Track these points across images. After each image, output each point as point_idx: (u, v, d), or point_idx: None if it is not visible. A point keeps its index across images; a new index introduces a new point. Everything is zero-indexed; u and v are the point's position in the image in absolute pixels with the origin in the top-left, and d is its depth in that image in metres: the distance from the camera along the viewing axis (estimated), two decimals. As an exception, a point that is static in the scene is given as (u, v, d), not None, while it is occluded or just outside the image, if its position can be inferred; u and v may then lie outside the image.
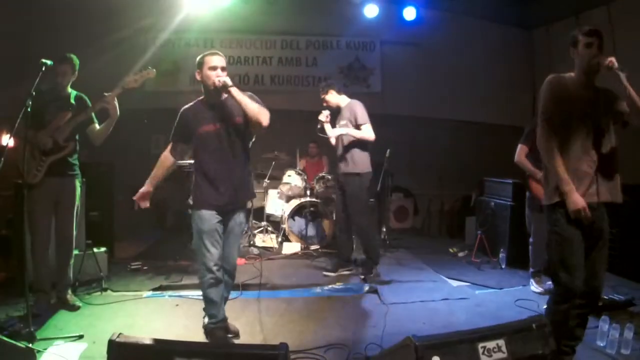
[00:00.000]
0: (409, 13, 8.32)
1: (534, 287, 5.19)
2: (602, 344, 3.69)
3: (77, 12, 7.38)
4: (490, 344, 2.59)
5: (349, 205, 5.48)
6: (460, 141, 8.57)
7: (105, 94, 4.19)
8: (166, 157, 3.92)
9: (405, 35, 8.62)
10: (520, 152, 5.09)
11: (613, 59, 3.16)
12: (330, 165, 7.59)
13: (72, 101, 4.35)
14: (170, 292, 4.91)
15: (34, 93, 3.60)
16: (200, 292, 4.77)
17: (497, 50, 8.61)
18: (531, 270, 5.31)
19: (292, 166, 7.57)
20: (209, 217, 3.54)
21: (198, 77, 3.65)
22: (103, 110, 4.28)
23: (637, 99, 3.09)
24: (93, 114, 4.35)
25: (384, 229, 7.41)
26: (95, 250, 5.04)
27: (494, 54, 8.56)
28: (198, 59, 3.63)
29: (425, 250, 7.08)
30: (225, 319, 3.66)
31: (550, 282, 5.23)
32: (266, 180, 7.34)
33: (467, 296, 4.98)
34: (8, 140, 3.61)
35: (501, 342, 2.62)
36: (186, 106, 3.77)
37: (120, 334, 2.48)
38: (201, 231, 3.53)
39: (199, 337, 3.83)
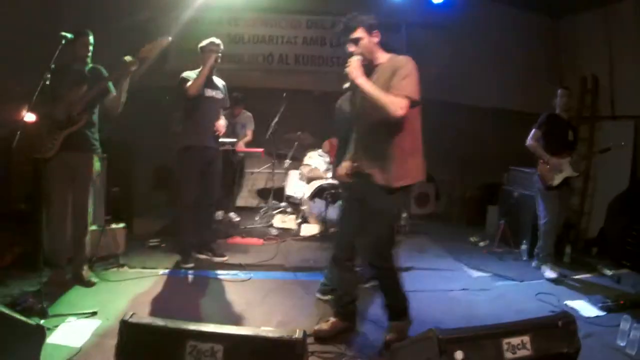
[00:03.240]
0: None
1: (548, 273, 5.15)
2: (622, 344, 3.58)
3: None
4: (515, 340, 2.49)
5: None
6: (484, 128, 8.38)
7: (126, 58, 4.09)
8: None
9: (431, 18, 8.40)
10: (532, 136, 5.30)
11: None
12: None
13: (88, 74, 4.28)
14: (186, 271, 4.89)
15: (52, 67, 3.55)
16: (218, 272, 4.80)
17: (523, 37, 8.36)
18: (541, 255, 5.28)
19: (316, 147, 7.47)
20: None
21: None
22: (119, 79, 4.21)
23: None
24: (110, 84, 4.26)
25: (405, 215, 7.31)
26: (113, 226, 5.02)
27: (519, 41, 8.31)
28: None
29: (446, 237, 6.96)
30: None
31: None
32: (287, 160, 7.27)
33: (488, 287, 4.88)
34: (26, 115, 3.57)
35: (526, 338, 2.52)
36: None
37: (133, 313, 2.42)
38: None
39: (214, 316, 3.83)
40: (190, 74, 4.99)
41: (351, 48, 3.29)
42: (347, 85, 3.27)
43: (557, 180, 5.15)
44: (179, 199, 5.12)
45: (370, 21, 3.32)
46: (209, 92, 5.05)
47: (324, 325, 3.58)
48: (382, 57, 3.36)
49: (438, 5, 8.02)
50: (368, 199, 3.36)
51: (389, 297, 3.57)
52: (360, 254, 3.57)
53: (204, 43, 5.08)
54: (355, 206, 3.48)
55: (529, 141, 5.29)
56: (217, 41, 5.07)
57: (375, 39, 3.33)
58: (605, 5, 7.04)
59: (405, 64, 3.25)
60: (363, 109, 3.35)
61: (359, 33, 3.27)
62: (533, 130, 5.29)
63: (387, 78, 3.22)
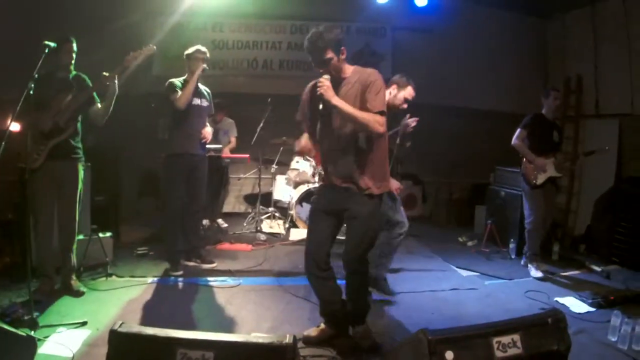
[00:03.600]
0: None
1: (534, 272, 5.20)
2: (613, 339, 3.62)
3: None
4: (505, 339, 2.51)
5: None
6: (471, 129, 8.43)
7: (105, 73, 4.09)
8: None
9: (416, 22, 8.45)
10: (517, 135, 5.36)
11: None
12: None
13: (74, 83, 4.25)
14: (175, 279, 4.87)
15: (36, 76, 3.53)
16: (208, 278, 4.78)
17: (510, 38, 8.43)
18: (528, 253, 5.33)
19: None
20: None
21: None
22: (104, 91, 4.19)
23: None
24: (95, 95, 4.25)
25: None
26: (100, 234, 4.99)
27: (507, 42, 8.39)
28: None
29: (434, 238, 6.99)
30: None
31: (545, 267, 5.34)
32: (274, 166, 7.26)
33: (477, 286, 4.91)
34: (10, 125, 3.54)
35: (516, 337, 2.54)
36: None
37: (122, 323, 2.41)
38: None
39: (205, 323, 3.81)
40: (176, 82, 4.96)
41: (321, 69, 3.23)
42: (321, 106, 3.23)
43: (540, 179, 5.21)
44: (166, 206, 5.10)
45: (339, 37, 3.26)
46: (195, 101, 5.02)
47: (313, 332, 3.59)
48: (348, 69, 3.38)
49: (424, 8, 8.07)
50: (351, 207, 3.36)
51: (359, 302, 3.57)
52: (342, 258, 3.47)
53: (190, 50, 5.03)
54: (325, 217, 3.49)
55: (515, 141, 5.36)
56: (203, 49, 5.03)
57: (343, 56, 3.32)
58: (593, 4, 7.12)
59: (376, 79, 3.27)
60: (340, 127, 3.32)
61: (329, 54, 3.20)
62: (518, 130, 5.35)
63: (357, 92, 3.27)
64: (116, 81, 4.14)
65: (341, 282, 3.55)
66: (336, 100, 3.14)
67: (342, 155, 3.35)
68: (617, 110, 6.70)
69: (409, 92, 4.66)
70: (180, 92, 4.85)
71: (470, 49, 8.33)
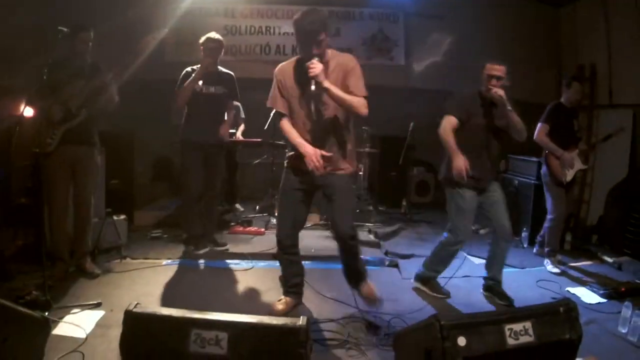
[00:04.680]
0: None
1: (550, 267, 5.13)
2: (624, 331, 3.60)
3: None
4: (517, 327, 2.50)
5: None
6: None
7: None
8: None
9: (429, 8, 8.39)
10: (541, 130, 5.11)
11: None
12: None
13: (86, 69, 4.25)
14: (189, 260, 4.92)
15: (50, 62, 3.55)
16: (221, 261, 4.86)
17: (522, 25, 8.33)
18: (546, 249, 5.24)
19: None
20: None
21: None
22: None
23: None
24: (107, 81, 4.25)
25: (405, 203, 7.34)
26: (114, 217, 5.04)
27: (519, 30, 8.29)
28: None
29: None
30: None
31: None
32: (287, 150, 7.25)
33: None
34: (24, 110, 3.57)
35: (528, 324, 2.52)
36: None
37: (137, 303, 2.44)
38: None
39: (218, 304, 3.86)
40: (188, 72, 4.93)
41: (315, 51, 3.29)
42: (313, 87, 3.28)
43: (569, 175, 5.08)
44: (183, 190, 5.13)
45: (327, 17, 3.41)
46: (209, 89, 4.94)
47: (280, 305, 3.80)
48: (327, 52, 3.47)
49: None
50: (335, 183, 3.58)
51: (358, 263, 3.87)
52: (336, 230, 3.67)
53: (201, 39, 4.94)
54: (301, 196, 3.70)
55: (538, 136, 5.11)
56: (215, 36, 4.92)
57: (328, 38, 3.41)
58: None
59: (355, 64, 3.47)
60: (325, 109, 3.49)
61: (322, 35, 3.30)
62: (540, 125, 5.11)
63: (338, 77, 3.42)
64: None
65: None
66: (328, 84, 3.26)
67: (325, 136, 3.53)
68: (631, 100, 6.60)
69: None
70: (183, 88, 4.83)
71: (482, 35, 8.25)
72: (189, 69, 4.95)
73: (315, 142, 3.47)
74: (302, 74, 3.39)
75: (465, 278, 4.72)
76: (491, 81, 3.96)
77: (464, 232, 4.12)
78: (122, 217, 5.17)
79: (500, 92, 3.86)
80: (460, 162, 3.84)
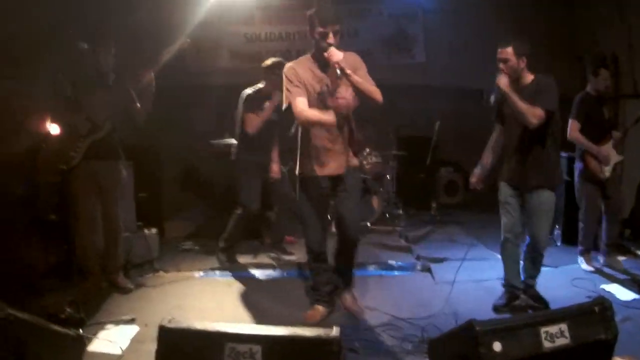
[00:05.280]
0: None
1: (584, 265, 5.01)
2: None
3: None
4: (553, 329, 2.46)
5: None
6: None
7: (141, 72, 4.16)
8: None
9: (447, 3, 8.32)
10: (573, 127, 4.84)
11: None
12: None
13: (110, 82, 4.31)
14: (222, 272, 4.96)
15: (72, 76, 3.59)
16: (250, 272, 4.83)
17: (540, 17, 8.18)
18: (580, 248, 5.11)
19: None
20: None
21: None
22: (142, 89, 4.26)
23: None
24: (133, 94, 4.29)
25: (434, 205, 7.27)
26: (145, 231, 5.09)
27: (536, 22, 8.15)
28: None
29: (477, 226, 6.89)
30: None
31: (603, 260, 5.09)
32: (299, 158, 7.24)
33: (522, 275, 4.81)
34: (50, 127, 3.63)
35: (564, 326, 2.48)
36: None
37: (171, 318, 2.46)
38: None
39: (251, 317, 3.88)
40: (249, 95, 5.06)
41: (332, 41, 3.38)
42: (339, 72, 3.32)
43: (607, 171, 4.84)
44: (243, 205, 5.16)
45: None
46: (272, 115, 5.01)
47: (312, 314, 3.81)
48: None
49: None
50: (348, 180, 3.68)
51: (353, 267, 3.99)
52: (344, 232, 3.77)
53: (269, 62, 5.10)
54: (322, 200, 3.79)
55: (572, 134, 4.85)
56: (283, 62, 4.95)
57: None
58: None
59: (361, 61, 3.61)
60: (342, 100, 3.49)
61: (338, 27, 3.45)
62: (571, 121, 4.84)
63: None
64: (152, 79, 4.19)
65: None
66: (349, 70, 3.32)
67: (339, 131, 3.59)
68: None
69: None
70: (254, 117, 4.92)
71: (500, 28, 8.14)
72: (250, 91, 5.06)
73: (330, 137, 3.57)
74: (315, 69, 3.53)
75: (499, 280, 4.64)
76: (499, 65, 3.81)
77: None
78: (153, 230, 5.21)
79: (502, 80, 3.71)
80: None
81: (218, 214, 7.60)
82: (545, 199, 3.82)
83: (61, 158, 4.18)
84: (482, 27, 8.19)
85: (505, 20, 8.05)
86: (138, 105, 4.32)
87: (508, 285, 4.07)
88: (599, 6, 7.54)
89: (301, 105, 3.44)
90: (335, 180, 3.68)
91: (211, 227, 6.80)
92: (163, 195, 6.44)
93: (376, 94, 3.46)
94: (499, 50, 3.82)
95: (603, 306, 2.60)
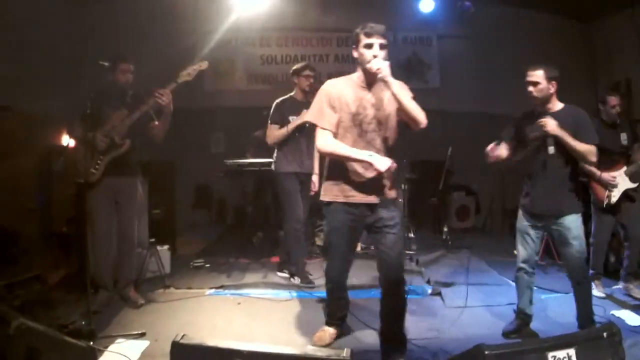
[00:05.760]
0: (463, 6, 8.08)
1: (595, 291, 4.94)
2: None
3: (134, 13, 7.56)
4: (561, 354, 2.47)
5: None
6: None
7: (159, 90, 4.22)
8: None
9: (462, 29, 8.42)
10: None
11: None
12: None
13: (129, 100, 4.40)
14: (231, 290, 4.96)
15: (92, 95, 3.67)
16: (261, 291, 4.85)
17: (555, 43, 8.26)
18: (590, 272, 5.05)
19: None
20: None
21: None
22: (160, 107, 4.30)
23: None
24: (152, 112, 4.38)
25: (446, 229, 7.26)
26: (158, 248, 5.14)
27: (552, 47, 8.21)
28: None
29: (488, 251, 6.87)
30: None
31: (622, 286, 5.04)
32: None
33: (533, 301, 4.78)
34: (68, 141, 3.70)
35: (571, 351, 2.50)
36: None
37: (183, 335, 2.49)
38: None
39: (260, 335, 3.87)
40: (285, 107, 5.17)
41: (382, 53, 3.24)
42: (388, 78, 3.14)
43: (614, 197, 4.77)
44: (289, 221, 5.20)
45: None
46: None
47: (322, 336, 3.72)
48: None
49: (465, 15, 8.02)
50: (390, 213, 3.37)
51: (402, 323, 3.50)
52: (388, 273, 3.40)
53: (295, 66, 5.24)
54: (352, 231, 3.48)
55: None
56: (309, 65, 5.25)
57: None
58: (634, 6, 6.92)
59: (408, 89, 3.36)
60: (380, 128, 3.35)
61: (386, 41, 3.29)
62: None
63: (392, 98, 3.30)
64: (170, 97, 4.25)
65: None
66: (395, 83, 3.15)
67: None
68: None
69: None
70: (275, 128, 5.09)
71: (514, 54, 8.20)
72: (279, 100, 5.22)
73: (363, 163, 3.25)
74: (356, 88, 3.32)
75: (509, 306, 4.63)
76: (528, 88, 3.72)
77: None
78: (166, 247, 5.28)
79: (550, 124, 3.56)
80: None
81: (230, 233, 7.69)
82: (575, 224, 3.68)
83: (79, 172, 4.25)
84: (495, 53, 8.28)
85: (520, 49, 8.13)
86: (156, 122, 4.41)
87: (520, 312, 4.00)
88: (614, 34, 7.59)
89: (323, 138, 3.29)
90: (369, 211, 3.37)
91: (222, 246, 6.88)
92: (176, 212, 6.50)
93: (420, 115, 3.19)
94: (529, 72, 3.73)
95: (611, 332, 2.61)
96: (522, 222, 3.91)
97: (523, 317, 3.97)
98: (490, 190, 8.63)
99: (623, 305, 4.67)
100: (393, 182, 3.40)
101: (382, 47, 3.20)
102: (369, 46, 3.19)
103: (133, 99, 4.41)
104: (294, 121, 5.01)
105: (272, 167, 5.29)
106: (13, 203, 5.57)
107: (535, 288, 4.82)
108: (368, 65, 3.16)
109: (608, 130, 4.84)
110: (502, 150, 3.93)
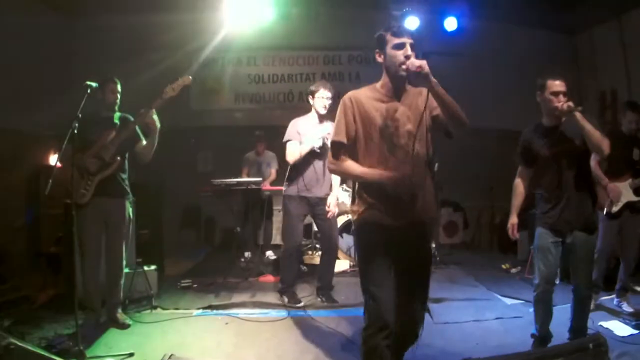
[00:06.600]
0: (450, 23, 8.21)
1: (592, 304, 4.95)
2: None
3: (120, 31, 7.59)
4: (548, 366, 2.47)
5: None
6: (507, 150, 8.32)
7: (143, 110, 4.22)
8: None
9: (447, 46, 8.51)
10: (593, 157, 4.50)
11: None
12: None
13: (116, 121, 4.40)
14: (219, 310, 4.92)
15: (79, 115, 3.66)
16: (249, 311, 4.81)
17: (540, 56, 8.38)
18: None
19: (341, 182, 7.49)
20: None
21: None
22: (147, 125, 4.30)
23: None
24: (139, 131, 4.38)
25: (434, 245, 7.27)
26: (145, 268, 5.10)
27: (537, 61, 8.33)
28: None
29: (477, 266, 6.91)
30: None
31: (609, 298, 5.04)
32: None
33: (521, 314, 4.79)
34: (56, 161, 3.69)
35: (558, 363, 2.50)
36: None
37: (171, 354, 2.47)
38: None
39: (249, 356, 3.84)
40: (299, 124, 5.07)
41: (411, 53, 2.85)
42: (424, 70, 2.69)
43: (616, 206, 4.77)
44: (285, 243, 5.23)
45: None
46: (317, 142, 4.96)
47: None
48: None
49: (452, 32, 8.14)
50: (421, 249, 2.94)
51: None
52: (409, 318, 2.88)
53: (313, 86, 5.12)
54: (389, 258, 2.82)
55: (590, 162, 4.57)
56: (327, 88, 5.05)
57: None
58: (619, 16, 7.05)
59: None
60: (409, 139, 2.83)
61: (413, 40, 2.90)
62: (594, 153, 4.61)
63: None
64: (155, 117, 4.23)
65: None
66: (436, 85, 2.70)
67: (421, 180, 2.83)
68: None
69: None
70: (296, 149, 4.96)
71: (501, 69, 8.34)
72: (297, 122, 5.14)
73: (407, 188, 2.77)
74: (384, 98, 2.85)
75: (498, 320, 4.64)
76: (558, 98, 3.55)
77: None
78: (153, 267, 5.22)
79: (570, 103, 3.46)
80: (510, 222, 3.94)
81: (218, 253, 7.65)
82: (592, 239, 3.68)
83: (67, 192, 4.22)
84: (481, 68, 8.38)
85: (506, 61, 8.24)
86: (144, 142, 4.40)
87: (543, 336, 3.82)
88: (600, 45, 7.73)
89: (334, 156, 2.86)
90: (412, 239, 2.83)
91: (210, 266, 6.85)
92: (164, 232, 6.47)
93: (462, 113, 2.78)
94: (559, 82, 3.61)
95: (597, 342, 2.62)
96: (544, 239, 3.69)
97: (544, 340, 3.81)
98: (478, 205, 8.67)
99: (614, 313, 4.73)
100: (432, 200, 2.95)
101: (412, 47, 2.81)
102: (399, 46, 2.79)
103: (121, 119, 4.42)
104: (306, 143, 4.90)
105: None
106: (1, 222, 5.53)
107: (522, 301, 4.85)
108: (404, 67, 2.72)
109: (622, 141, 4.75)
110: (518, 206, 4.05)
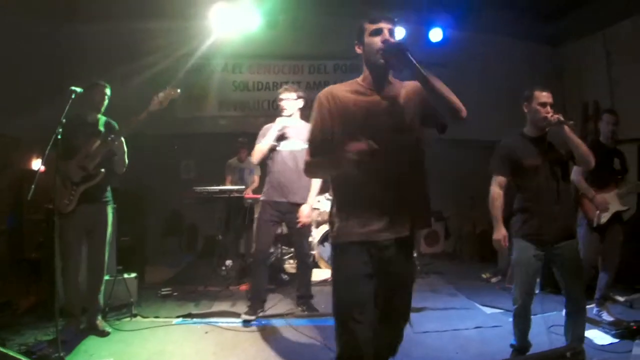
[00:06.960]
0: (435, 34, 8.26)
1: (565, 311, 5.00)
2: (635, 370, 3.54)
3: (107, 38, 7.57)
4: (526, 375, 2.50)
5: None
6: (489, 161, 8.44)
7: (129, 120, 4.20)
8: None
9: (432, 57, 8.55)
10: (577, 170, 4.72)
11: None
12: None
13: (101, 128, 4.38)
14: (200, 319, 4.90)
15: (64, 121, 3.64)
16: (229, 320, 4.79)
17: (524, 68, 8.51)
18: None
19: (324, 191, 7.51)
20: None
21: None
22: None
23: None
24: (123, 140, 4.35)
25: (415, 254, 7.29)
26: (125, 275, 5.06)
27: (522, 72, 8.44)
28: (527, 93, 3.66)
29: (457, 275, 6.94)
30: None
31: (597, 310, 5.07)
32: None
33: (501, 324, 4.82)
34: (39, 166, 3.66)
35: (537, 373, 2.53)
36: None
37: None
38: None
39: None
40: (267, 128, 4.98)
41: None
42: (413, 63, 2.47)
43: (604, 217, 4.74)
44: (254, 249, 5.13)
45: None
46: (289, 146, 4.89)
47: None
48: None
49: (437, 43, 8.19)
50: (403, 267, 2.68)
51: None
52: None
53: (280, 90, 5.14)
54: (369, 280, 2.60)
55: (575, 177, 4.73)
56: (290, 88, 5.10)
57: None
58: (603, 29, 7.17)
59: None
60: (400, 134, 2.61)
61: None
62: (576, 166, 4.52)
63: (416, 103, 2.75)
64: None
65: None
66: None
67: (399, 175, 2.56)
68: (635, 134, 6.59)
69: None
70: (257, 147, 4.88)
71: (485, 80, 8.40)
72: (266, 125, 5.07)
73: (386, 185, 2.53)
74: (364, 91, 2.64)
75: (477, 329, 4.67)
76: (545, 109, 3.59)
77: None
78: (133, 275, 5.18)
79: (559, 115, 3.50)
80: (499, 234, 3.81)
81: (199, 261, 7.61)
82: (576, 248, 3.67)
83: (48, 197, 4.18)
84: (465, 79, 8.41)
85: (490, 72, 8.31)
86: (116, 156, 4.38)
87: (522, 346, 3.79)
88: (584, 56, 7.85)
89: (309, 156, 2.67)
90: (385, 251, 2.56)
91: (191, 274, 6.80)
92: (145, 240, 6.43)
93: (457, 100, 2.58)
94: (547, 94, 3.67)
95: (575, 351, 2.66)
96: (525, 252, 3.65)
97: (526, 348, 3.81)
98: (460, 215, 8.73)
99: (594, 323, 4.72)
100: (426, 206, 2.82)
101: (391, 33, 2.59)
102: (377, 32, 2.57)
103: (106, 127, 4.40)
104: (271, 131, 4.83)
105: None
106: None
107: (502, 310, 4.88)
108: (380, 52, 2.52)
109: (603, 152, 4.77)
110: (500, 198, 3.97)
